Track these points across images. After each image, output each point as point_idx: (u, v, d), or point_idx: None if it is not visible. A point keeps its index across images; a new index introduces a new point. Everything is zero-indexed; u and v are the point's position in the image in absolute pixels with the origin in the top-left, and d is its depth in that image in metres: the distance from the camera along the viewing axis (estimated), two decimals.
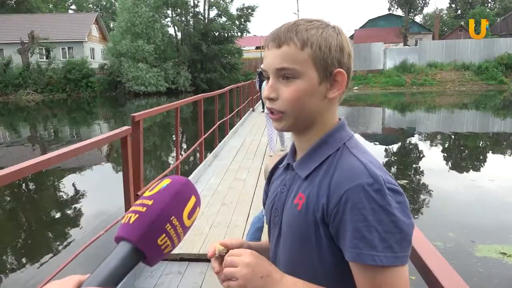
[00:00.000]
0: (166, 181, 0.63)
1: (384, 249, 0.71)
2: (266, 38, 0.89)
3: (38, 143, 15.20)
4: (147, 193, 0.62)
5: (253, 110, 15.85)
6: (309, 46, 0.83)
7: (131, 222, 0.58)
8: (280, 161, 1.03)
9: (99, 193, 8.01)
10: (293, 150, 0.95)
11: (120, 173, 9.66)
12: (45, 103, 29.95)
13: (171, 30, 40.53)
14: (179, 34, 40.74)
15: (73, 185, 8.58)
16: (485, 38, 37.43)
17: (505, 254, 4.66)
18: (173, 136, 15.80)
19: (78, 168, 9.77)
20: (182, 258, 3.58)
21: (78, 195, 7.94)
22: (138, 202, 0.61)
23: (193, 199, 0.63)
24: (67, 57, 37.04)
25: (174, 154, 12.27)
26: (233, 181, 5.98)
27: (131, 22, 34.26)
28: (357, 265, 0.74)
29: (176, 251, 3.63)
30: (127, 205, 3.38)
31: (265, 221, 1.75)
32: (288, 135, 9.43)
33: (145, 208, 0.59)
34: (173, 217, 0.60)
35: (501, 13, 51.58)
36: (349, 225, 0.74)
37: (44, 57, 36.21)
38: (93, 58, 39.16)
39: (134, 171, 3.43)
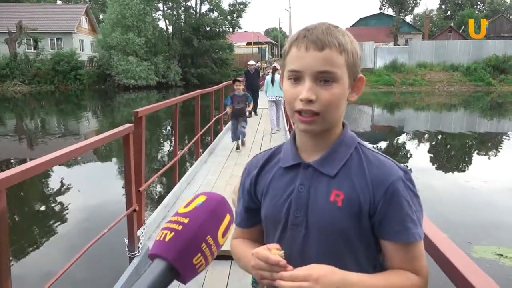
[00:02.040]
0: (202, 198, 0.63)
1: (420, 226, 0.88)
2: (297, 38, 0.89)
3: (25, 135, 14.95)
4: (182, 210, 0.61)
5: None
6: (346, 52, 0.88)
7: (166, 240, 0.58)
8: (267, 161, 1.02)
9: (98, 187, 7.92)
10: (295, 150, 0.97)
11: (113, 166, 9.58)
12: (33, 95, 29.47)
13: (162, 24, 40.26)
14: (170, 28, 40.43)
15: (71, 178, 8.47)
16: (474, 40, 37.93)
17: (502, 255, 4.72)
18: (163, 129, 15.72)
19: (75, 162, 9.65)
20: None
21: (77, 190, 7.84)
22: (173, 219, 0.60)
23: (227, 217, 0.63)
24: (56, 48, 36.45)
25: (165, 149, 12.20)
26: (230, 177, 5.95)
27: (121, 15, 33.83)
28: (400, 244, 0.87)
29: None
30: (128, 201, 3.33)
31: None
32: (282, 119, 10.15)
33: (181, 226, 0.59)
34: (208, 236, 0.59)
35: (489, 15, 52.20)
36: (398, 211, 0.87)
37: (32, 48, 35.58)
38: (82, 50, 38.61)
39: (135, 167, 3.38)
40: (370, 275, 0.87)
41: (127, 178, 3.31)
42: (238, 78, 8.15)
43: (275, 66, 10.10)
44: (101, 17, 48.06)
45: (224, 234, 0.62)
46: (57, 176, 8.69)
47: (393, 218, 0.87)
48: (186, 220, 0.59)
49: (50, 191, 8.07)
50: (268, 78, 9.93)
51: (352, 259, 0.90)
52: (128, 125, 3.24)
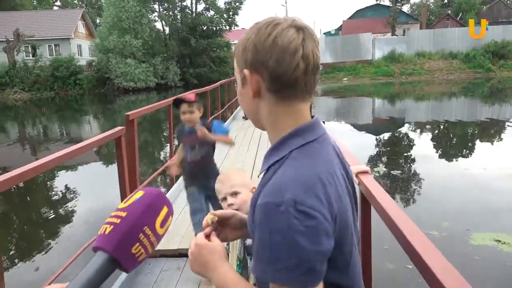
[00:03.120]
0: (139, 194, 0.67)
1: (279, 271, 0.72)
2: None
3: (28, 143, 15.05)
4: (121, 205, 0.66)
5: None
6: (235, 55, 0.91)
7: (106, 233, 0.62)
8: None
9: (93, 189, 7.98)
10: None
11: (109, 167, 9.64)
12: (33, 102, 29.59)
13: (158, 25, 40.27)
14: (167, 29, 40.48)
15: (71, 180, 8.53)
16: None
17: (500, 241, 4.74)
18: (163, 131, 15.76)
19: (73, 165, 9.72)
20: (181, 254, 3.59)
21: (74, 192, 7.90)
22: (113, 214, 0.65)
23: (165, 209, 0.67)
24: (54, 54, 36.55)
25: (164, 149, 12.24)
26: None
27: (117, 18, 33.89)
28: (258, 280, 0.82)
29: (174, 246, 3.66)
30: None
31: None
32: None
33: (119, 220, 0.63)
34: (146, 227, 0.64)
35: (487, 1, 51.88)
36: (255, 239, 0.77)
37: (30, 55, 35.71)
38: (81, 55, 38.69)
39: (129, 170, 3.43)
40: (240, 280, 0.87)
41: (121, 181, 3.36)
42: (185, 97, 3.27)
43: None
44: (97, 21, 48.10)
45: (163, 225, 0.66)
46: (56, 179, 8.76)
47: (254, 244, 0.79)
48: (124, 214, 0.63)
49: (49, 195, 8.13)
50: None
51: None
52: (119, 128, 3.28)
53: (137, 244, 0.63)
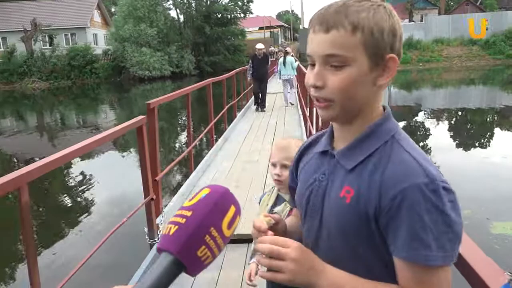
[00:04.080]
0: (205, 191, 0.63)
1: (437, 249, 0.72)
2: (311, 19, 0.82)
3: (46, 131, 15.32)
4: (186, 203, 0.62)
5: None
6: (361, 31, 0.76)
7: (171, 233, 0.59)
8: (310, 143, 0.99)
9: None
10: (331, 137, 0.91)
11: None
12: (51, 91, 30.05)
13: (173, 13, 40.20)
14: (181, 17, 40.38)
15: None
16: (492, 12, 36.75)
17: None
18: (179, 119, 15.87)
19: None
20: None
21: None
22: (178, 212, 0.61)
23: (232, 209, 0.63)
24: (70, 43, 36.94)
25: (181, 138, 12.34)
26: (245, 163, 6.02)
27: (132, 6, 34.00)
28: (406, 262, 0.74)
29: None
30: (146, 190, 3.43)
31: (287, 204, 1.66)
32: (295, 95, 11.67)
33: (184, 220, 0.59)
34: (212, 228, 0.59)
35: None
36: (404, 224, 0.73)
37: (47, 44, 36.13)
38: (96, 44, 39.00)
39: (150, 157, 3.48)
40: (356, 278, 0.78)
41: (143, 169, 3.41)
42: None
43: (286, 50, 11.84)
44: (113, 10, 48.27)
45: (230, 226, 0.62)
46: (78, 168, 8.93)
47: (398, 230, 0.75)
48: (189, 213, 0.60)
49: (71, 184, 8.30)
50: (281, 60, 11.43)
51: (361, 263, 0.81)
52: (141, 116, 3.32)
53: (203, 247, 0.58)
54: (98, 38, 40.47)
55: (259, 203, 1.86)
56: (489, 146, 9.68)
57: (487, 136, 10.85)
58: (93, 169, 8.98)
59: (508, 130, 11.48)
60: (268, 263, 0.76)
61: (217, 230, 0.60)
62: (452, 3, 54.20)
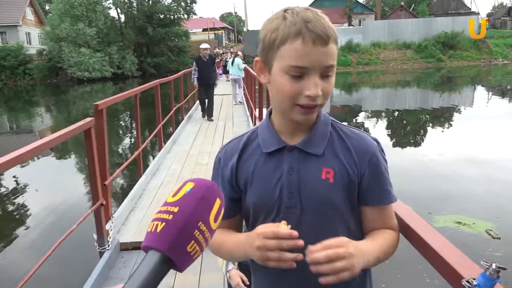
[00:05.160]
0: (190, 185, 0.61)
1: (392, 190, 0.99)
2: (300, 31, 0.84)
3: None
4: (170, 199, 0.60)
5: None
6: (336, 42, 0.88)
7: (158, 231, 0.57)
8: (242, 150, 1.00)
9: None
10: (276, 134, 0.97)
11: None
12: None
13: (113, 13, 38.91)
14: (122, 17, 39.20)
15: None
16: (424, 18, 39.15)
17: (460, 223, 5.04)
18: (121, 122, 15.38)
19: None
20: None
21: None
22: (162, 209, 0.59)
23: (218, 202, 0.62)
24: (1, 42, 34.58)
25: (124, 141, 11.97)
26: (195, 166, 5.96)
27: (69, 4, 32.48)
28: (381, 207, 0.98)
29: None
30: (95, 195, 3.30)
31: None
32: (241, 95, 12.31)
33: (171, 216, 0.57)
34: (200, 222, 0.58)
35: None
36: (381, 178, 0.96)
37: None
38: (30, 43, 36.82)
39: (99, 161, 3.34)
40: (368, 241, 0.93)
41: (91, 173, 3.27)
42: None
43: (236, 52, 13.70)
44: (47, 7, 45.81)
45: (216, 219, 0.61)
46: (12, 176, 8.38)
47: (377, 185, 0.96)
48: (175, 209, 0.58)
49: (7, 193, 7.77)
50: (230, 60, 12.79)
51: (344, 229, 0.95)
52: (89, 119, 3.18)
53: (192, 241, 0.57)
54: (31, 37, 38.22)
55: None
56: (426, 144, 10.26)
57: (423, 135, 11.53)
58: (28, 176, 8.45)
59: (442, 129, 12.26)
60: (331, 268, 0.79)
61: (205, 224, 0.58)
62: (387, 9, 57.08)
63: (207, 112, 9.72)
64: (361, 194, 0.96)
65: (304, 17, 0.85)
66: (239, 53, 13.66)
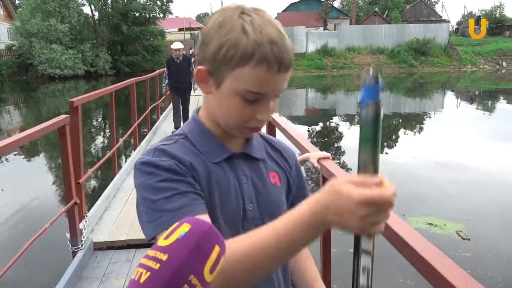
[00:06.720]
0: (185, 228, 0.53)
1: None
2: (265, 56, 0.74)
3: None
4: (161, 242, 0.52)
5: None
6: None
7: (141, 281, 0.49)
8: (184, 154, 0.82)
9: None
10: (216, 142, 0.86)
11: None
12: None
13: (87, 9, 38.13)
14: (96, 14, 38.43)
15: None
16: (397, 24, 40.06)
17: (432, 224, 5.18)
18: (94, 120, 15.07)
19: None
20: (129, 245, 3.51)
21: None
22: (151, 253, 0.51)
23: (216, 249, 0.53)
24: None
25: (97, 140, 11.73)
26: None
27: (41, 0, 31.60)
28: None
29: (122, 237, 3.56)
30: (68, 194, 3.22)
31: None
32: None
33: (158, 265, 0.50)
34: (191, 275, 0.50)
35: (410, 0, 55.32)
36: (303, 180, 1.02)
37: None
38: None
39: (74, 159, 3.27)
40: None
41: (65, 171, 3.19)
42: None
43: None
44: (17, 1, 44.46)
45: (212, 270, 0.52)
46: None
47: (302, 184, 1.01)
48: (164, 257, 0.50)
49: None
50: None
51: None
52: (63, 116, 3.11)
53: None
54: (0, 32, 36.97)
55: None
56: (399, 148, 10.48)
57: (396, 139, 11.78)
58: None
59: (413, 132, 12.57)
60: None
61: (197, 278, 0.50)
62: (362, 14, 58.10)
63: (183, 121, 8.11)
64: (293, 194, 0.99)
65: (269, 36, 0.74)
66: None
